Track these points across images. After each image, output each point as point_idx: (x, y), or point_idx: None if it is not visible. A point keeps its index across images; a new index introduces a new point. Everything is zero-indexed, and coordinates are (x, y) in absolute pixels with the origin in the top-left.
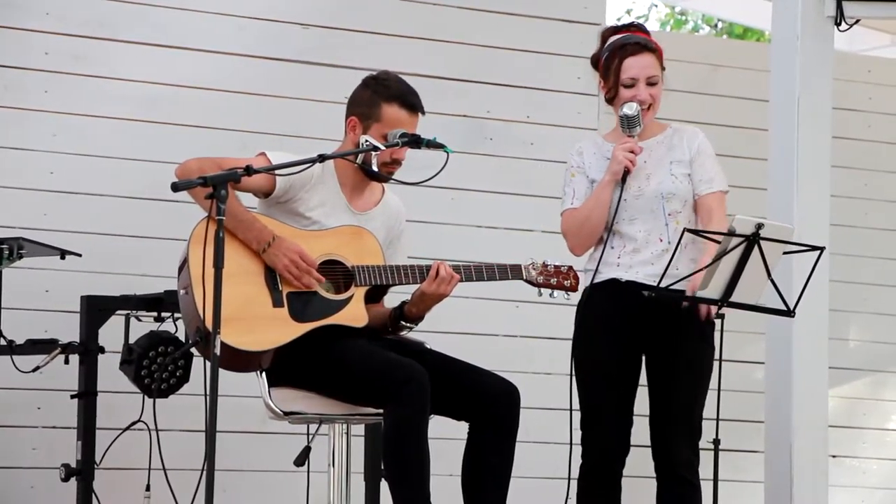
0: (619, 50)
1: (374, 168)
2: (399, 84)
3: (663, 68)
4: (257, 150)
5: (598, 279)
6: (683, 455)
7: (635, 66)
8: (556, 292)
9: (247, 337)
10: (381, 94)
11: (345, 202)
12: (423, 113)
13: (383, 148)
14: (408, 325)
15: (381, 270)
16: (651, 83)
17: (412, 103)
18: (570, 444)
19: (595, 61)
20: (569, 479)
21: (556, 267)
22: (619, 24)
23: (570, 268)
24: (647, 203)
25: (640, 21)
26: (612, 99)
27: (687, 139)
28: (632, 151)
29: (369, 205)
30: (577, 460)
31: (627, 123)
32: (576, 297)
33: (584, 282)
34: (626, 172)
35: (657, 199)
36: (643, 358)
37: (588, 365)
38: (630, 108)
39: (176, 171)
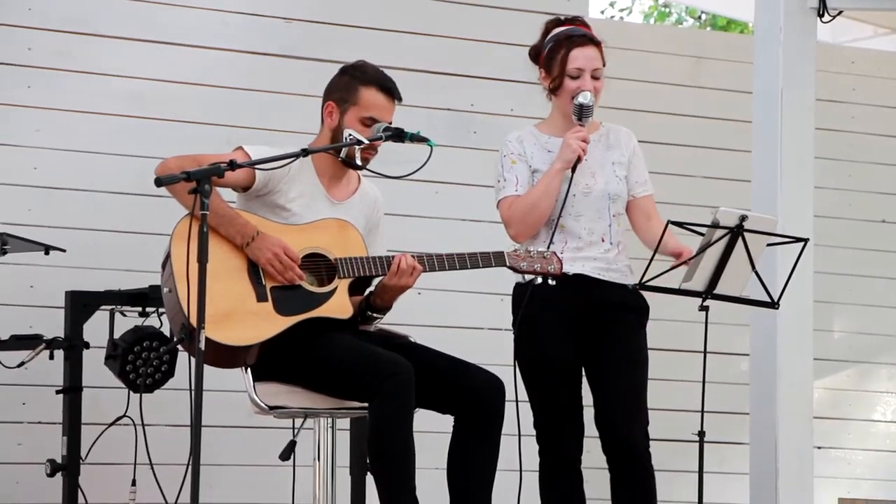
0: (566, 41)
1: (358, 162)
2: (376, 71)
3: (604, 64)
4: (238, 145)
5: None
6: (639, 442)
7: (581, 57)
8: (539, 278)
9: (231, 332)
10: (359, 78)
11: (323, 192)
12: (401, 100)
13: (367, 142)
14: (375, 315)
15: (363, 262)
16: (595, 76)
17: (389, 88)
18: (519, 435)
19: (536, 53)
20: (521, 470)
21: (539, 252)
22: (562, 17)
23: (554, 253)
24: (594, 202)
25: (624, 13)
26: (555, 89)
27: (623, 140)
28: (584, 140)
29: (347, 193)
30: (526, 452)
31: (582, 113)
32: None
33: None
34: (577, 161)
35: (604, 199)
36: (585, 348)
37: (539, 358)
38: (585, 98)
39: (156, 170)
